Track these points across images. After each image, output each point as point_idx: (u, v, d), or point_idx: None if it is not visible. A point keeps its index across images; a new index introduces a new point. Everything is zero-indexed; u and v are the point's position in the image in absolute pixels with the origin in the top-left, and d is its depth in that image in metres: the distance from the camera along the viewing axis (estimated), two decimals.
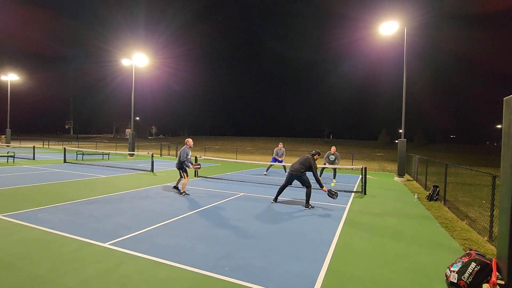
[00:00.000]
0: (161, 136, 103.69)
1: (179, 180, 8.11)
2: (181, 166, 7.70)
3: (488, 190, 5.13)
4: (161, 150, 27.40)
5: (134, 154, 20.55)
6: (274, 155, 13.43)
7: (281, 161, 13.28)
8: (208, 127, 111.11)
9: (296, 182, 7.04)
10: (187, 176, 7.73)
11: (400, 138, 13.76)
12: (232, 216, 5.69)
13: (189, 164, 7.74)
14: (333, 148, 11.55)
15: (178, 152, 7.80)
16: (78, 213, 5.47)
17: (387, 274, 3.40)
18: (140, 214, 5.56)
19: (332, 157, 11.34)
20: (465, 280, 3.06)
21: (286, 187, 7.06)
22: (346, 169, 17.79)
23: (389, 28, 13.01)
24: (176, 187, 8.28)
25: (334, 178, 11.72)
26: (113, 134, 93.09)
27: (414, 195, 8.70)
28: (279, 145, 13.46)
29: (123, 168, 13.82)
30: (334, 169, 11.72)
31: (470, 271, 3.09)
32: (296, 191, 8.83)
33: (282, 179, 11.72)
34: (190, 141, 8.02)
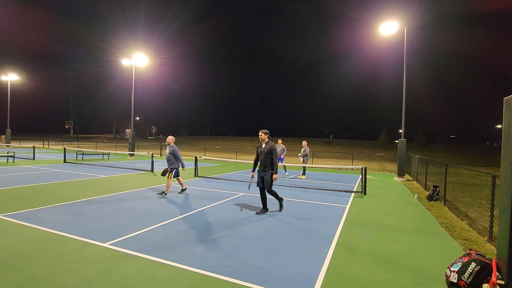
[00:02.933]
0: (161, 136, 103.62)
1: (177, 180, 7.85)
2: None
3: (488, 190, 5.13)
4: (161, 150, 27.40)
5: (134, 154, 20.54)
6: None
7: (281, 159, 13.13)
8: (208, 127, 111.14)
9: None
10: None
11: (400, 138, 13.76)
12: (232, 216, 5.69)
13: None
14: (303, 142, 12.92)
15: (174, 152, 7.59)
16: (78, 213, 5.47)
17: (387, 274, 3.40)
18: (140, 214, 5.56)
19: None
20: (465, 280, 3.06)
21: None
22: (346, 169, 17.80)
23: (389, 28, 13.01)
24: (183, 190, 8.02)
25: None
26: (113, 134, 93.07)
27: (414, 195, 8.70)
28: (278, 141, 13.27)
29: (123, 168, 13.81)
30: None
31: (470, 271, 3.09)
32: (296, 191, 8.84)
33: (281, 179, 11.73)
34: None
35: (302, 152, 12.73)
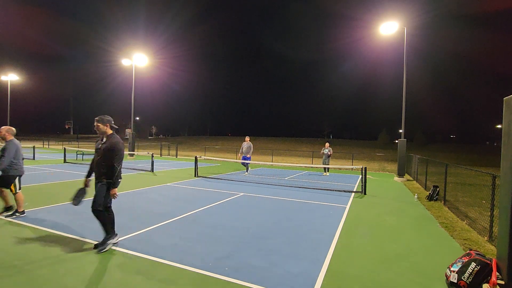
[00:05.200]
0: (161, 136, 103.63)
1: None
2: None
3: (488, 190, 5.13)
4: (161, 150, 27.40)
5: (134, 154, 20.54)
6: (240, 152, 12.72)
7: (248, 158, 12.53)
8: (208, 127, 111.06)
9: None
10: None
11: (400, 138, 13.76)
12: (232, 216, 5.69)
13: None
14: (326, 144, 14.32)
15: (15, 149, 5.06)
16: (78, 213, 5.46)
17: (387, 274, 3.40)
18: (140, 214, 5.56)
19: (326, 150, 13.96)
20: (465, 280, 3.06)
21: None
22: (346, 169, 17.80)
23: (389, 28, 13.01)
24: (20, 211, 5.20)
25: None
26: None
27: (414, 195, 8.70)
28: (246, 139, 12.76)
29: (123, 168, 13.76)
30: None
31: (470, 271, 3.09)
32: (297, 191, 8.84)
33: (281, 179, 11.73)
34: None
35: (327, 152, 13.92)
